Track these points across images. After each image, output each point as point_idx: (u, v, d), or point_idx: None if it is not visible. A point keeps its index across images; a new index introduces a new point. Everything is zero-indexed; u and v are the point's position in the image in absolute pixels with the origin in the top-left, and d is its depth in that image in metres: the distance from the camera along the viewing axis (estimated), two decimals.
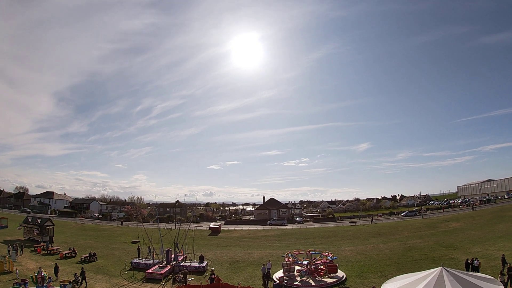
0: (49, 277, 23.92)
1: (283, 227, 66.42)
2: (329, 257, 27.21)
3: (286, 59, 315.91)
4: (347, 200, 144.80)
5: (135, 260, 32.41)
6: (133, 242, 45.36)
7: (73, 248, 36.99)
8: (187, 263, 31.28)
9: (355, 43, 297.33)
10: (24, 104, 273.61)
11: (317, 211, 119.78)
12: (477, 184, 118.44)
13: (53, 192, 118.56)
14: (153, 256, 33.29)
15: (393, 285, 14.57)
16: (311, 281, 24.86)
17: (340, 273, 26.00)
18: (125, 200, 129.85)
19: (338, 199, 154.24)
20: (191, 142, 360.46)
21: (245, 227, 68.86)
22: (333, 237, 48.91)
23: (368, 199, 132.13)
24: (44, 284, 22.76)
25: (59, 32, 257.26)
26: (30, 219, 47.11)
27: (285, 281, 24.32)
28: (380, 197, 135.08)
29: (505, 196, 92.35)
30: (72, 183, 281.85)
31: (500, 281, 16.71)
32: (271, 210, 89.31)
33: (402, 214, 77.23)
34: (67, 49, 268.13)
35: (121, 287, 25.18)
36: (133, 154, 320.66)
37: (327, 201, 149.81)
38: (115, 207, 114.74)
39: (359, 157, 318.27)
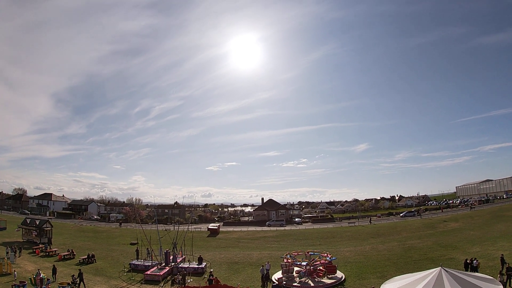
0: (48, 279, 23.85)
1: (282, 228, 66.40)
2: (328, 258, 27.22)
3: (284, 60, 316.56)
4: (346, 201, 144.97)
5: (133, 262, 32.30)
6: (132, 244, 45.23)
7: (72, 249, 36.88)
8: (186, 265, 31.22)
9: (353, 44, 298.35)
10: (22, 106, 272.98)
11: (315, 212, 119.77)
12: (475, 184, 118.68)
13: (51, 193, 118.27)
14: (151, 257, 33.23)
15: (392, 286, 14.56)
16: (310, 282, 24.83)
17: (339, 274, 25.99)
18: (124, 202, 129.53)
19: (337, 200, 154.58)
20: (190, 143, 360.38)
21: (244, 228, 68.80)
22: (332, 238, 48.92)
23: (366, 200, 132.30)
24: (43, 286, 22.70)
25: (57, 34, 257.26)
26: (28, 220, 46.92)
27: (284, 282, 24.29)
28: (378, 198, 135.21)
29: (504, 196, 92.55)
30: (70, 185, 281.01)
31: (499, 281, 16.73)
32: (270, 211, 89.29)
33: (401, 214, 77.29)
34: (66, 51, 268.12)
35: None
36: (131, 156, 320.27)
37: (326, 202, 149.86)
38: (113, 208, 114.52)
39: (358, 157, 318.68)
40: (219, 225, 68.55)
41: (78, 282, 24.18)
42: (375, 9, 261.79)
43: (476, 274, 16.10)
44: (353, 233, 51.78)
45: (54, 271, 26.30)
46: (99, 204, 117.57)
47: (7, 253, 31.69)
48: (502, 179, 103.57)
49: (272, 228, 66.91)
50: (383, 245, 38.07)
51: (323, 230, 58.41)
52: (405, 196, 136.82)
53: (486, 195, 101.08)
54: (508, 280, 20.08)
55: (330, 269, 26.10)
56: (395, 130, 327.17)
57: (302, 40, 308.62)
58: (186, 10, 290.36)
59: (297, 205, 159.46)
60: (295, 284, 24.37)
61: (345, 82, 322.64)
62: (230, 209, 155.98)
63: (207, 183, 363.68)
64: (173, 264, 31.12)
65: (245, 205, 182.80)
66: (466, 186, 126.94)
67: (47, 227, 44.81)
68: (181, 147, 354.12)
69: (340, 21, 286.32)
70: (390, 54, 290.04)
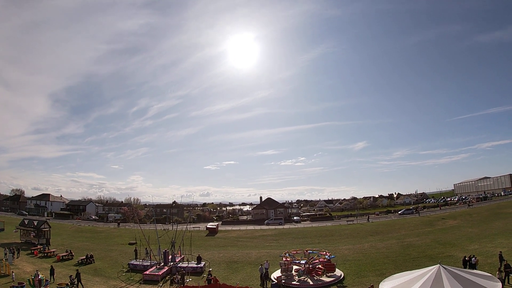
0: (46, 280, 23.75)
1: (281, 227, 66.41)
2: (326, 256, 27.25)
3: (282, 58, 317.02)
4: (344, 199, 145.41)
5: (132, 262, 32.21)
6: (130, 244, 45.12)
7: (70, 250, 36.77)
8: (185, 264, 31.18)
9: (351, 43, 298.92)
10: (20, 106, 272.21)
11: (314, 210, 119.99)
12: (473, 182, 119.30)
13: (49, 194, 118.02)
14: (150, 257, 33.17)
15: (391, 283, 14.58)
16: (309, 280, 24.85)
17: (338, 272, 26.00)
18: (122, 202, 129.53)
19: (335, 198, 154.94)
20: (188, 142, 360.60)
21: (243, 227, 68.77)
22: (330, 236, 49.00)
23: (365, 198, 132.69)
24: (41, 287, 22.59)
25: (55, 34, 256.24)
26: (26, 221, 46.73)
27: (283, 281, 24.29)
28: (377, 196, 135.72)
29: (502, 193, 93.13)
30: (68, 185, 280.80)
31: (498, 278, 16.78)
32: (268, 209, 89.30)
33: (399, 212, 77.49)
34: (63, 51, 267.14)
35: None
36: (129, 155, 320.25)
37: (324, 200, 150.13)
38: (111, 208, 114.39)
39: (356, 156, 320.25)
40: (217, 224, 68.46)
41: (76, 283, 24.10)
42: (372, 7, 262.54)
43: (475, 271, 16.13)
44: (351, 231, 51.87)
45: (52, 272, 26.20)
46: (97, 204, 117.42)
47: (5, 254, 31.62)
48: (500, 176, 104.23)
49: (270, 227, 66.90)
50: (382, 243, 38.15)
51: (322, 229, 58.49)
52: (403, 194, 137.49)
53: (484, 192, 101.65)
54: (507, 277, 20.14)
55: (329, 267, 26.11)
56: (393, 128, 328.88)
57: (300, 38, 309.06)
58: (183, 9, 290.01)
59: (295, 204, 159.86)
60: (294, 282, 24.37)
61: (343, 80, 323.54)
62: (228, 208, 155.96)
63: (205, 182, 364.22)
64: (172, 263, 31.07)
65: (244, 204, 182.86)
66: (464, 184, 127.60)
67: (45, 228, 44.63)
68: (179, 146, 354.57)
69: (337, 19, 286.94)
70: (387, 52, 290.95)
